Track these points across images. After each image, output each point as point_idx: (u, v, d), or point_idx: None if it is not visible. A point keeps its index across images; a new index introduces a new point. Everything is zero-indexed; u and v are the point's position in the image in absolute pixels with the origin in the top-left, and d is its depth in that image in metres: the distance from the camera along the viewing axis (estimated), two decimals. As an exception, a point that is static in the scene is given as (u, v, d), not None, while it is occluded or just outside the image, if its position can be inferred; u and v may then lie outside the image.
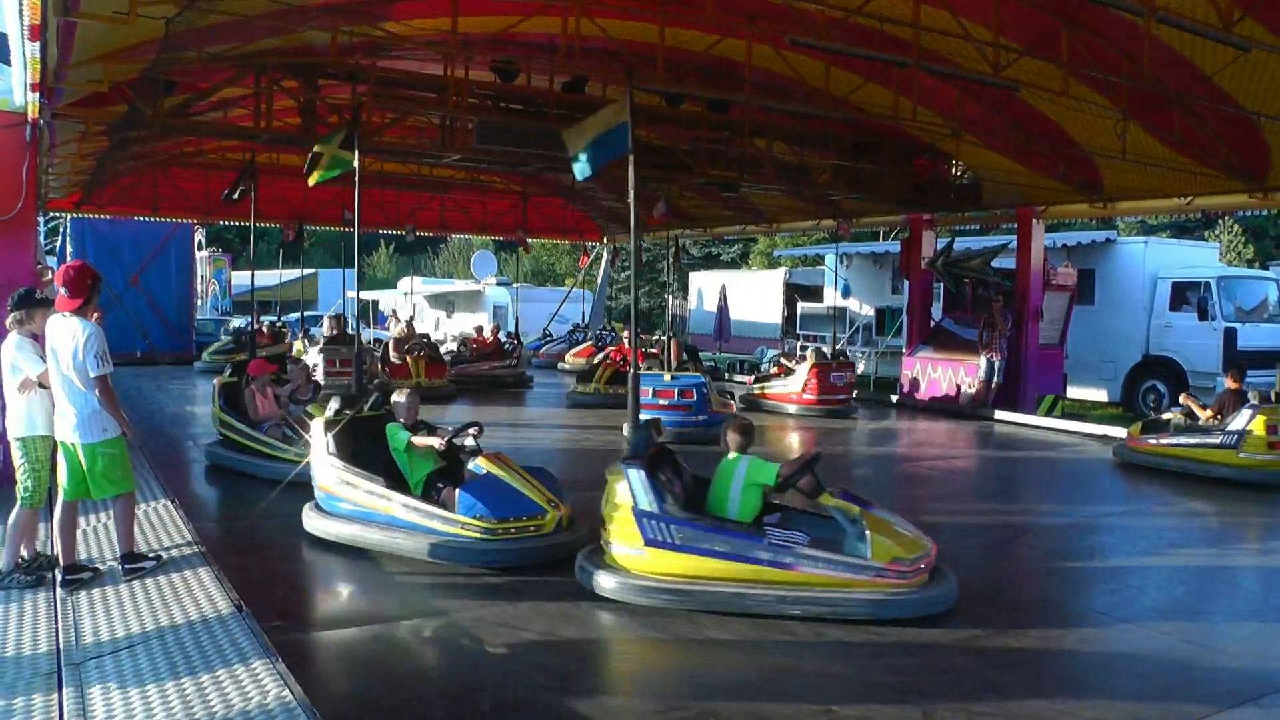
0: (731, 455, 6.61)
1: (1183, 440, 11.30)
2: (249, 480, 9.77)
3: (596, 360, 18.57)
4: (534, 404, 17.54)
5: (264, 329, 21.45)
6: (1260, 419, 10.66)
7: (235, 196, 12.91)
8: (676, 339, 17.25)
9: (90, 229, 22.75)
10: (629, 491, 6.27)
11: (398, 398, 7.85)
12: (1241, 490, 10.45)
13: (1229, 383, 11.73)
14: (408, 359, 17.45)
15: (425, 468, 7.49)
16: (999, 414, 15.65)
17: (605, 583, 6.17)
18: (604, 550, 6.45)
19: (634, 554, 6.20)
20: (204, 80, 12.10)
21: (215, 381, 10.72)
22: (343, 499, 7.43)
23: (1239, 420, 10.84)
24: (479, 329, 22.55)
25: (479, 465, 7.34)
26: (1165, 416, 12.24)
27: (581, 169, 8.64)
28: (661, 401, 12.95)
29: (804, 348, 18.66)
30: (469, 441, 7.58)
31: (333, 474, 7.48)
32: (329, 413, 7.90)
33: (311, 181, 11.47)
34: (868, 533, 5.98)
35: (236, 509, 8.77)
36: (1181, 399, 12.16)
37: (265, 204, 21.60)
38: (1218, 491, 10.40)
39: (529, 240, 25.38)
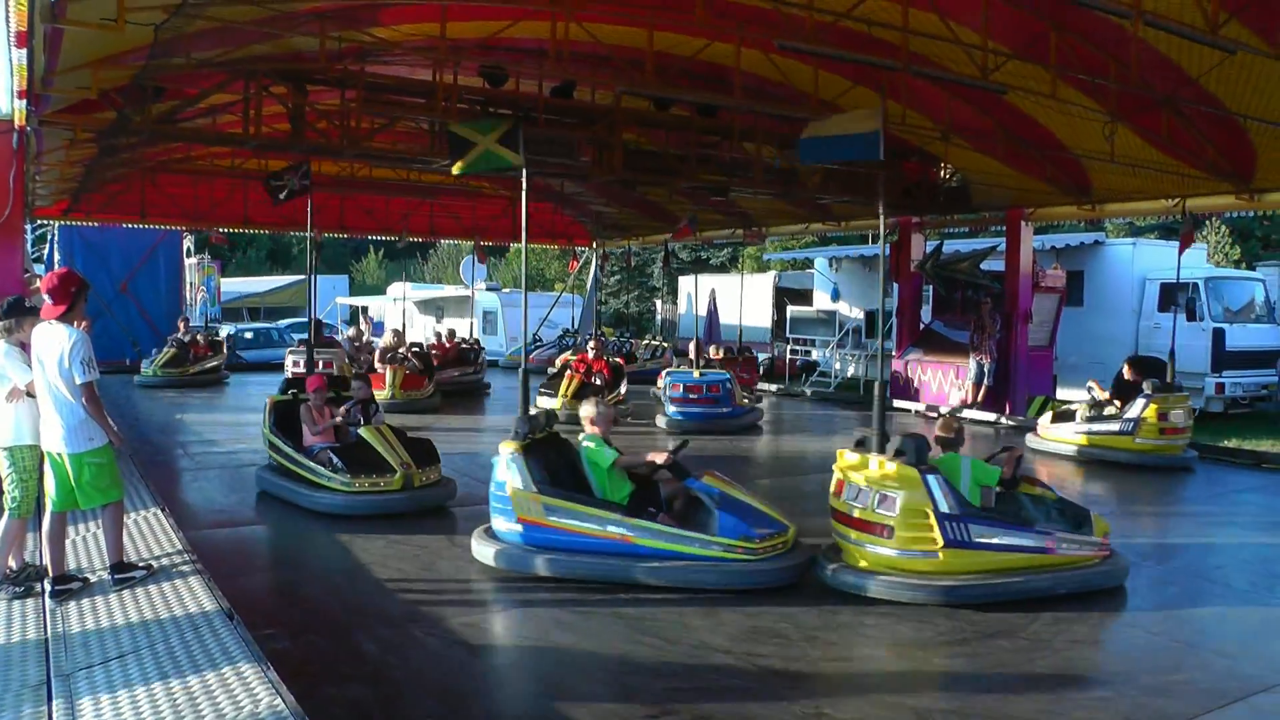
0: (942, 454, 6.95)
1: (1086, 428, 12.30)
2: (240, 488, 9.77)
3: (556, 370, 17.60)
4: (495, 411, 17.46)
5: (199, 338, 20.92)
6: (1153, 407, 11.72)
7: (283, 197, 12.30)
8: (699, 340, 17.66)
9: (79, 236, 22.67)
10: (929, 496, 6.46)
11: (587, 409, 7.35)
12: (1138, 473, 11.50)
13: (1127, 374, 12.73)
14: (389, 369, 16.59)
15: (627, 487, 7.02)
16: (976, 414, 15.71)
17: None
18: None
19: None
20: (192, 86, 12.06)
21: (268, 400, 10.13)
22: (555, 529, 6.81)
23: (1134, 409, 11.85)
24: (439, 335, 21.95)
25: (709, 484, 6.98)
26: (1073, 407, 13.09)
27: (805, 155, 9.88)
28: (692, 396, 14.23)
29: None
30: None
31: (535, 505, 6.84)
32: (514, 438, 7.15)
33: (455, 170, 11.14)
34: None
35: (227, 518, 8.74)
36: (1089, 383, 13.39)
37: (254, 209, 21.69)
38: (1113, 474, 11.36)
39: (517, 245, 25.10)
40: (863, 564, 6.58)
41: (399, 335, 18.31)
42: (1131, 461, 11.74)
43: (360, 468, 8.80)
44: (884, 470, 6.66)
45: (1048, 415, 13.08)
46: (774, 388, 21.27)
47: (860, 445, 7.18)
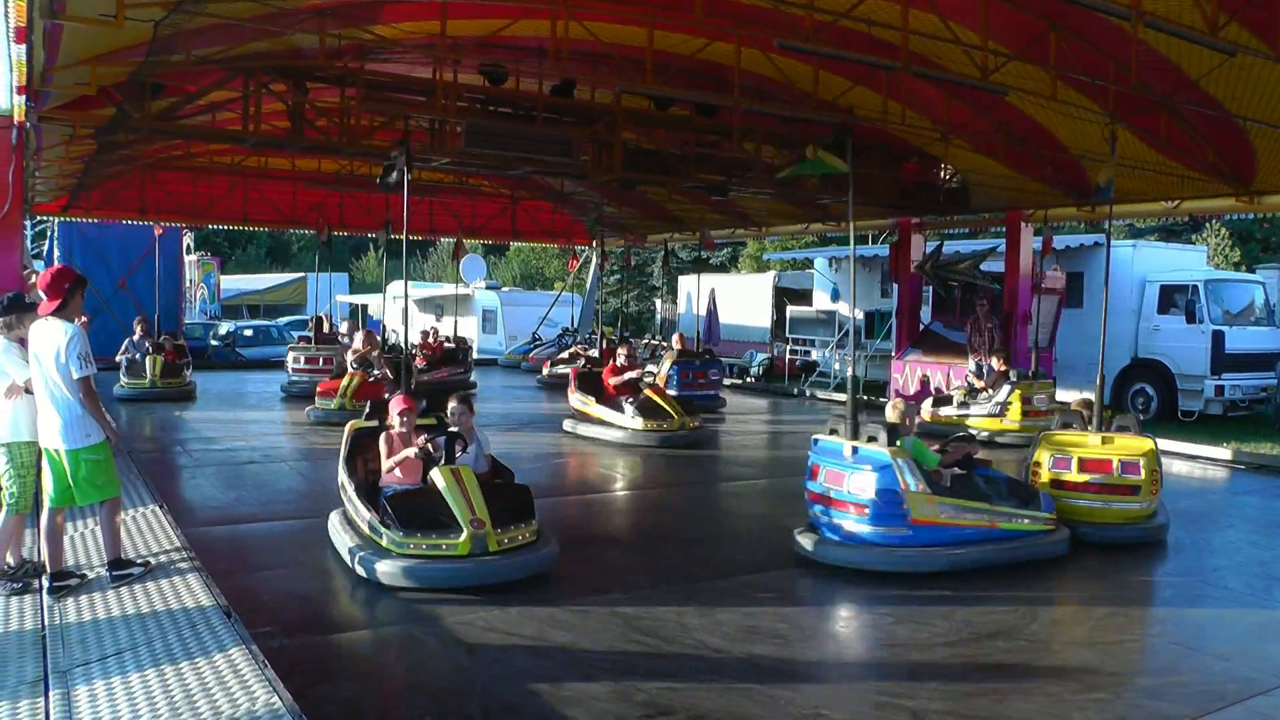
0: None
1: (962, 412, 14.19)
2: (239, 485, 9.75)
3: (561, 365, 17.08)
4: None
5: (166, 342, 17.67)
6: (1017, 393, 13.59)
7: (392, 180, 11.51)
8: (682, 334, 18.53)
9: (78, 233, 22.64)
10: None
11: (899, 409, 7.66)
12: (1006, 450, 12.42)
13: (997, 364, 14.41)
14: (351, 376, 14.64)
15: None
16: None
17: None
18: None
19: None
20: (192, 83, 12.06)
21: (348, 428, 7.97)
22: (950, 526, 7.25)
23: (1001, 394, 13.82)
24: (424, 334, 21.17)
25: (992, 469, 7.93)
26: (950, 392, 15.12)
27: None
28: (700, 381, 16.07)
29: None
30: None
31: (931, 506, 7.19)
32: (884, 443, 7.31)
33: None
34: None
35: (225, 515, 8.73)
36: (970, 362, 15.07)
37: (253, 207, 21.71)
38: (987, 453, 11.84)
39: (516, 244, 24.85)
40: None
41: (372, 338, 16.12)
42: (999, 440, 13.27)
43: (420, 523, 6.63)
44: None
45: (930, 400, 14.95)
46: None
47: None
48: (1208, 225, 32.58)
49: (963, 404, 14.34)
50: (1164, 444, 12.01)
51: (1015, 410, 13.56)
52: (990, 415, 13.82)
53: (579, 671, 5.19)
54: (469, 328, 30.49)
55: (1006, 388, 13.82)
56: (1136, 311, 18.17)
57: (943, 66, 10.92)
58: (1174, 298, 17.85)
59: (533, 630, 5.75)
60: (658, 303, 35.30)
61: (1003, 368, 14.32)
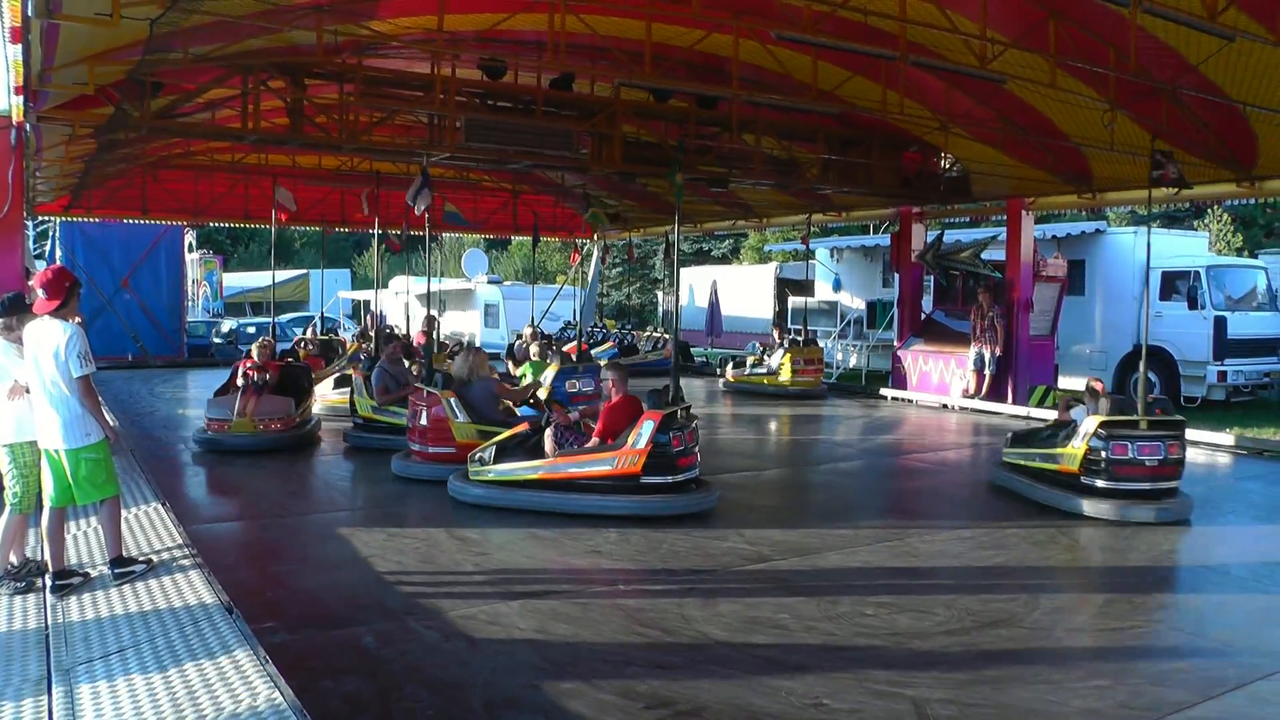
0: None
1: (752, 372, 18.60)
2: (240, 482, 9.76)
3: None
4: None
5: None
6: (787, 357, 17.79)
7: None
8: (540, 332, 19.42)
9: (79, 232, 22.66)
10: None
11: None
12: (780, 400, 17.48)
13: (775, 336, 19.35)
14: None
15: None
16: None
17: None
18: None
19: None
20: (190, 81, 12.05)
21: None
22: None
23: (775, 358, 18.12)
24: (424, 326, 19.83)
25: None
26: (749, 358, 19.75)
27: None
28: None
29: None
30: None
31: None
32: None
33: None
34: None
35: (227, 511, 8.76)
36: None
37: (255, 204, 21.68)
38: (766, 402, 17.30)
39: (533, 237, 24.06)
40: None
41: (267, 345, 12.83)
42: (775, 392, 17.79)
43: None
44: None
45: (730, 365, 19.76)
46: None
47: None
48: (1210, 211, 32.48)
49: (751, 367, 18.83)
50: (747, 373, 17.22)
51: (787, 370, 17.73)
52: (768, 374, 18.12)
53: (581, 664, 5.19)
54: (471, 322, 30.51)
55: (779, 352, 18.12)
56: (1138, 298, 18.12)
57: (941, 55, 10.90)
58: (1176, 284, 17.81)
59: (535, 623, 5.76)
60: (660, 295, 35.29)
61: (780, 340, 18.84)
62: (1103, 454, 8.55)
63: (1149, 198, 10.81)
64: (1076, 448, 8.77)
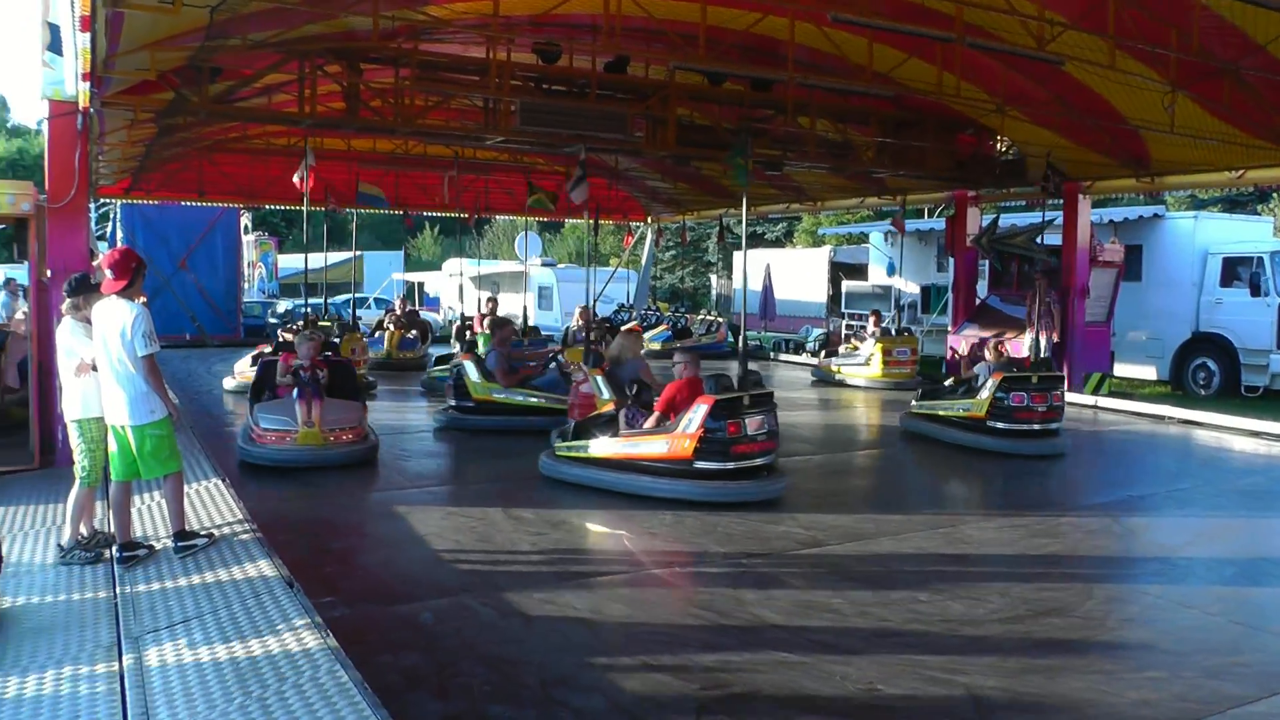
0: None
1: (841, 362, 17.76)
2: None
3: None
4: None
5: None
6: (879, 347, 16.86)
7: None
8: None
9: (139, 214, 23.08)
10: None
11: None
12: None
13: (872, 324, 17.90)
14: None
15: None
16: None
17: None
18: None
19: None
20: (248, 67, 12.23)
21: None
22: None
23: (866, 348, 17.27)
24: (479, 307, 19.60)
25: None
26: (841, 346, 18.88)
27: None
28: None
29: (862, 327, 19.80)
30: None
31: None
32: None
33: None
34: None
35: (285, 488, 8.90)
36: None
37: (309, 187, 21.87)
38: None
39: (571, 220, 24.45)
40: None
41: (316, 340, 10.55)
42: (872, 386, 16.76)
43: None
44: None
45: (822, 352, 18.71)
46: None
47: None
48: (1275, 195, 31.72)
49: (845, 356, 17.75)
50: (1226, 420, 13.04)
51: (878, 360, 16.82)
52: (860, 364, 17.16)
53: (635, 645, 5.24)
54: (525, 304, 30.63)
55: (869, 342, 17.19)
56: (1198, 285, 17.77)
57: (998, 37, 10.77)
58: (1238, 270, 17.42)
59: (589, 604, 5.81)
60: (713, 278, 35.20)
61: (875, 327, 17.65)
62: (1004, 402, 10.65)
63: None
64: (983, 398, 10.86)
